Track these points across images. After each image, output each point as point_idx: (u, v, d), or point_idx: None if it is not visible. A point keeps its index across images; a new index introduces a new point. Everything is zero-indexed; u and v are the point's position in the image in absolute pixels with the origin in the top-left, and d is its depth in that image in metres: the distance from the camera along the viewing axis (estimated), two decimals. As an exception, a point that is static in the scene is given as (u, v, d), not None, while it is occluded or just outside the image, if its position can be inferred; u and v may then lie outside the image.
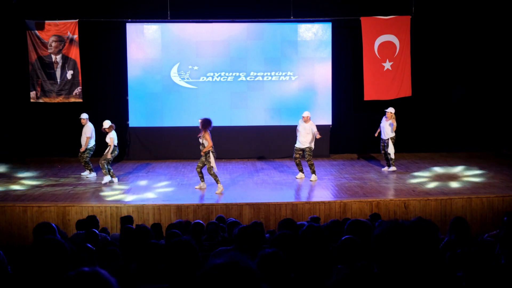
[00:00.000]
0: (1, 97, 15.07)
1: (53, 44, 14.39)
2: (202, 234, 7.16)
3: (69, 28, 14.34)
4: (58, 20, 14.32)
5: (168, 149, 15.11)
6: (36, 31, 14.28)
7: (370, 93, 14.75)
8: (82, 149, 12.79)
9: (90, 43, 14.95)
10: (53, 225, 5.27)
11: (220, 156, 13.69)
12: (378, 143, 13.60)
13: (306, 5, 14.82)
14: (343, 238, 4.28)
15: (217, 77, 15.11)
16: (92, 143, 12.88)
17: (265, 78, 15.17)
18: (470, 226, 5.89)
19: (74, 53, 14.45)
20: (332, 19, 15.03)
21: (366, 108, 15.28)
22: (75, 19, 14.34)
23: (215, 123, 11.53)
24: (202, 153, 11.22)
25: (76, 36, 14.38)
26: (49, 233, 4.86)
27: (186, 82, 15.09)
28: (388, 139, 13.11)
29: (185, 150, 14.72)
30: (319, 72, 15.18)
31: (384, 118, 13.24)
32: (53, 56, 14.45)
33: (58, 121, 15.04)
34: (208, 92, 15.09)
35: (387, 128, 13.09)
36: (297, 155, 12.35)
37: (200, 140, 11.27)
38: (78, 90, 14.55)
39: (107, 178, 12.12)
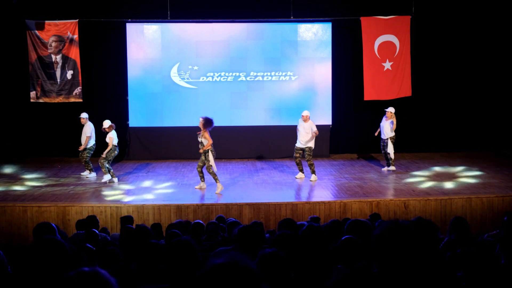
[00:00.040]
0: (1, 97, 15.07)
1: (53, 44, 14.39)
2: (202, 234, 7.16)
3: (69, 28, 14.34)
4: (58, 20, 14.33)
5: (168, 149, 15.11)
6: (36, 31, 14.28)
7: (370, 93, 14.76)
8: (81, 148, 12.79)
9: (90, 43, 14.95)
10: (53, 225, 5.27)
11: (220, 156, 13.70)
12: (378, 143, 13.60)
13: (306, 5, 14.82)
14: (343, 238, 4.28)
15: (217, 77, 15.11)
16: (92, 142, 12.88)
17: (265, 78, 15.17)
18: (470, 226, 5.89)
19: (74, 53, 14.45)
20: (332, 19, 15.04)
21: (366, 108, 15.28)
22: (75, 19, 14.34)
23: (215, 123, 11.52)
24: (201, 151, 11.20)
25: (76, 36, 14.38)
26: (49, 233, 4.86)
27: (186, 82, 15.09)
28: (387, 138, 13.11)
29: (185, 150, 14.72)
30: (319, 72, 15.18)
31: (384, 118, 13.25)
32: (53, 56, 14.45)
33: (58, 121, 15.04)
34: (208, 92, 15.09)
35: (387, 128, 13.10)
36: (297, 155, 12.36)
37: (199, 139, 11.25)
38: (78, 90, 14.55)
39: (107, 177, 12.13)
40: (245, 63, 15.13)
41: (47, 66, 14.46)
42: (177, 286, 3.20)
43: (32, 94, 14.52)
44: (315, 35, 15.14)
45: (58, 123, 15.05)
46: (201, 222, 7.39)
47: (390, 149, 13.11)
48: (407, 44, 14.64)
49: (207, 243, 6.88)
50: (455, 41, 15.36)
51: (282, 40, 15.13)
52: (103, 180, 12.16)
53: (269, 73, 15.16)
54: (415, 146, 15.53)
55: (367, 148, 15.43)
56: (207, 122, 11.21)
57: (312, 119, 12.39)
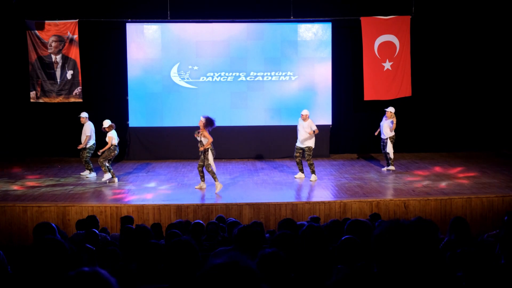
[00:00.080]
0: (1, 97, 15.08)
1: (53, 44, 14.40)
2: (202, 234, 7.16)
3: (69, 28, 14.35)
4: (58, 20, 14.33)
5: (168, 149, 15.11)
6: (36, 31, 14.28)
7: (370, 93, 14.76)
8: (80, 147, 12.79)
9: (90, 43, 14.95)
10: (53, 225, 5.26)
11: (220, 156, 13.70)
12: (378, 143, 13.61)
13: (306, 5, 14.82)
14: (343, 238, 4.28)
15: (217, 77, 15.11)
16: (91, 142, 12.88)
17: (265, 78, 15.17)
18: (470, 226, 5.89)
19: (74, 53, 14.45)
20: (332, 19, 15.04)
21: (366, 108, 15.28)
22: (75, 19, 14.34)
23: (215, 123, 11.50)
24: (200, 150, 11.18)
25: (76, 36, 14.38)
26: (49, 233, 4.86)
27: (186, 82, 15.10)
28: (387, 138, 13.12)
29: (185, 150, 14.71)
30: (319, 72, 15.18)
31: (384, 118, 13.25)
32: (53, 56, 14.45)
33: (58, 121, 15.04)
34: (208, 92, 15.09)
35: (386, 128, 13.10)
36: (297, 154, 12.36)
37: (198, 138, 11.22)
38: (78, 90, 14.55)
39: (107, 176, 12.13)
40: (245, 63, 15.13)
41: (47, 66, 14.46)
42: (177, 286, 3.20)
43: (32, 94, 14.52)
44: (315, 35, 15.14)
45: (58, 123, 15.06)
46: (201, 222, 7.39)
47: (390, 149, 13.11)
48: (407, 44, 14.64)
49: (207, 243, 6.88)
50: (455, 41, 15.37)
51: (282, 40, 15.13)
52: (103, 179, 12.17)
53: (269, 73, 15.16)
54: (415, 146, 15.53)
55: (367, 148, 15.44)
56: (209, 122, 11.17)
57: (312, 119, 12.39)
